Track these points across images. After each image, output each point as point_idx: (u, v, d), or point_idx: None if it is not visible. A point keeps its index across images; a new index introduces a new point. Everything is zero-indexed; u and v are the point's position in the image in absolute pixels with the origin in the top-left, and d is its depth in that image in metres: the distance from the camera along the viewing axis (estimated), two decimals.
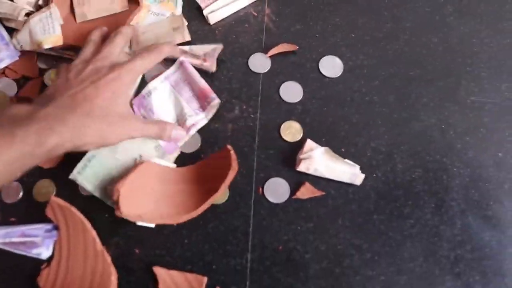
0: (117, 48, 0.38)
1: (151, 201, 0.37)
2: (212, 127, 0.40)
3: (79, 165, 0.37)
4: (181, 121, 0.39)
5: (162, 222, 0.36)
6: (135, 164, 0.37)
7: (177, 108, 0.40)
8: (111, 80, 0.35)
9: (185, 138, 0.39)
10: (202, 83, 0.40)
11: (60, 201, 0.37)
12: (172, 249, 0.37)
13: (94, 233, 0.37)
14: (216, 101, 0.39)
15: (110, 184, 0.37)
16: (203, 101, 0.39)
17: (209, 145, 0.39)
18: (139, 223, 0.37)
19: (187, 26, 0.42)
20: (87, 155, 0.37)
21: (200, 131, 0.40)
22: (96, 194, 0.37)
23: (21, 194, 0.39)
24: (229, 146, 0.37)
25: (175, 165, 0.39)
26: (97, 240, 0.37)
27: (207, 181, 0.37)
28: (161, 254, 0.37)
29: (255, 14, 0.44)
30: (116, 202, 0.35)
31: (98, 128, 0.33)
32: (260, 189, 0.38)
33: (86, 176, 0.37)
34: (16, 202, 0.39)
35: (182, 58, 0.40)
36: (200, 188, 0.37)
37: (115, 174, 0.38)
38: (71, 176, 0.37)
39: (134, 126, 0.36)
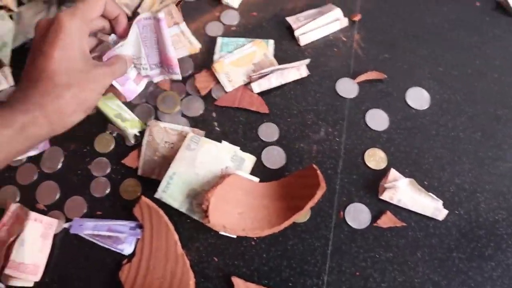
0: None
1: (235, 213, 0.38)
2: (297, 146, 0.41)
3: (162, 184, 0.39)
4: (136, 65, 0.40)
5: (243, 234, 0.37)
6: (222, 175, 0.39)
7: (136, 52, 0.39)
8: (54, 32, 0.31)
9: (140, 89, 0.41)
10: (171, 52, 0.39)
11: (150, 202, 0.39)
12: (250, 261, 0.38)
13: (176, 236, 0.38)
14: (178, 77, 0.41)
15: (195, 198, 0.39)
16: (165, 65, 0.41)
17: (293, 163, 0.40)
18: (222, 233, 0.38)
19: (277, 44, 0.45)
20: (168, 173, 0.39)
21: (285, 149, 0.41)
22: (183, 209, 0.38)
23: (108, 190, 0.41)
24: (314, 165, 0.38)
25: (257, 179, 0.40)
26: (179, 243, 0.38)
27: (291, 198, 0.38)
28: (239, 265, 0.38)
29: (345, 39, 0.45)
30: (205, 211, 0.37)
31: (72, 96, 0.31)
32: (341, 213, 0.38)
33: (171, 193, 0.39)
34: (103, 197, 0.41)
35: (162, 16, 0.37)
36: (283, 204, 0.38)
37: (198, 189, 0.39)
38: (156, 195, 0.39)
39: (103, 76, 0.34)
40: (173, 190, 0.39)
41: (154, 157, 0.41)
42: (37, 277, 0.38)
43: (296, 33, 0.44)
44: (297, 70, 0.42)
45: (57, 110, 0.30)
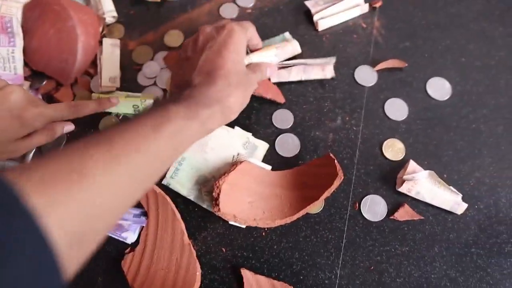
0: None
1: (245, 202, 0.38)
2: (313, 134, 0.41)
3: (171, 170, 0.39)
4: None
5: (254, 225, 0.37)
6: (234, 162, 0.38)
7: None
8: (228, 36, 0.36)
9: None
10: None
11: (157, 189, 0.38)
12: (260, 253, 0.37)
13: (183, 225, 0.38)
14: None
15: (204, 185, 0.39)
16: None
17: (308, 152, 0.40)
18: (231, 222, 0.38)
19: (294, 28, 0.44)
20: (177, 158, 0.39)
21: (300, 136, 0.41)
22: (191, 197, 0.38)
23: None
24: (331, 154, 0.38)
25: (270, 167, 0.40)
26: (185, 233, 0.38)
27: (306, 188, 0.38)
28: (248, 257, 0.37)
29: (364, 26, 0.45)
30: (215, 199, 0.36)
31: (239, 95, 0.35)
32: (357, 205, 0.38)
33: (179, 179, 0.39)
34: None
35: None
36: (297, 194, 0.38)
37: (207, 175, 0.39)
38: (164, 182, 0.39)
39: (255, 79, 0.37)
40: (181, 176, 0.38)
41: None
42: None
43: (315, 17, 0.44)
44: (322, 70, 0.42)
45: (228, 106, 0.34)
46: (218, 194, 0.36)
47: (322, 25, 0.44)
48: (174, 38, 0.45)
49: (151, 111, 0.31)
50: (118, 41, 0.45)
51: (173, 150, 0.30)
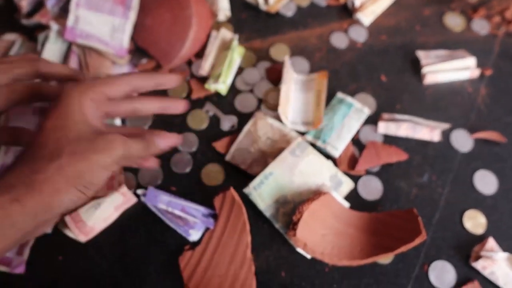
0: None
1: (319, 233, 0.38)
2: (397, 183, 0.41)
3: (256, 180, 0.40)
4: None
5: (320, 258, 0.38)
6: (318, 192, 0.39)
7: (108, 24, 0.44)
8: (53, 102, 0.30)
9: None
10: None
11: (236, 196, 0.39)
12: (319, 287, 0.38)
13: (249, 238, 0.39)
14: None
15: (283, 206, 0.40)
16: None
17: (389, 200, 0.41)
18: (298, 250, 0.39)
19: (400, 74, 0.45)
20: (265, 171, 0.40)
21: (384, 182, 0.41)
22: (267, 214, 0.39)
23: (189, 168, 0.42)
24: (415, 210, 0.38)
25: (348, 204, 0.40)
26: (250, 246, 0.39)
27: (379, 236, 0.38)
28: None
29: (470, 90, 0.46)
30: (294, 223, 0.37)
31: (55, 172, 0.27)
32: (426, 267, 0.39)
33: (261, 193, 0.39)
34: (182, 174, 0.42)
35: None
36: (369, 239, 0.38)
37: (288, 197, 0.40)
38: (246, 190, 0.40)
39: (111, 143, 0.29)
40: (264, 190, 0.39)
41: (250, 148, 0.42)
42: (86, 239, 0.38)
43: (424, 70, 0.45)
44: (430, 131, 0.42)
45: (37, 187, 0.27)
46: (299, 219, 0.37)
47: (429, 79, 0.45)
48: (280, 51, 0.47)
49: None
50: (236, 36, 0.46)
51: None
